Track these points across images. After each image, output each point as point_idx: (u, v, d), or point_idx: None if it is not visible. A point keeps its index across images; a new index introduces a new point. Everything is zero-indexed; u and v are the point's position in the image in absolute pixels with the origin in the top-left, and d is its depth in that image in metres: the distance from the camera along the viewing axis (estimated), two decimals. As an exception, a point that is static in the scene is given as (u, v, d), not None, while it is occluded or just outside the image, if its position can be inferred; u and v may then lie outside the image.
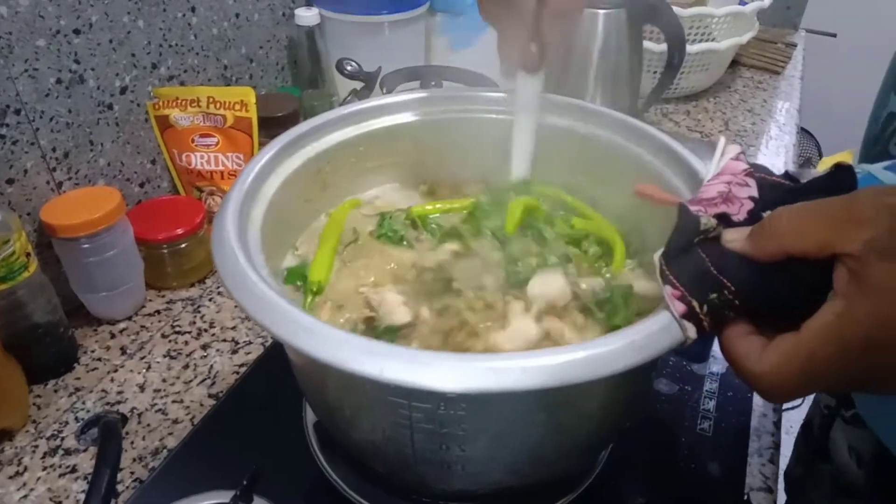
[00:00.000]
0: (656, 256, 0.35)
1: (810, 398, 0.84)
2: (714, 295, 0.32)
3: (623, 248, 0.50)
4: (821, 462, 0.71)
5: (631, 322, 0.41)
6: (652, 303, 0.44)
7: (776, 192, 0.36)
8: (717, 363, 0.61)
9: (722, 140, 0.40)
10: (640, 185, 0.43)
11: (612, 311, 0.43)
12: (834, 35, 1.60)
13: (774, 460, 0.55)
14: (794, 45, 1.41)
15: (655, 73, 1.08)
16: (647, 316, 0.33)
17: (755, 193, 0.36)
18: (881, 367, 0.29)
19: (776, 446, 0.56)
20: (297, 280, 0.48)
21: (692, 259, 0.34)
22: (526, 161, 0.54)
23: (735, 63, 1.30)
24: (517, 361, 0.29)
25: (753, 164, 0.37)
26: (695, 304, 0.32)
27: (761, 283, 0.32)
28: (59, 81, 0.63)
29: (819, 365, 0.29)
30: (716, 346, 0.61)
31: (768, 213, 0.33)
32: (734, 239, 0.33)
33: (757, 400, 0.59)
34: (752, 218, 0.34)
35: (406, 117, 0.54)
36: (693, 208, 0.35)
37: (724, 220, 0.34)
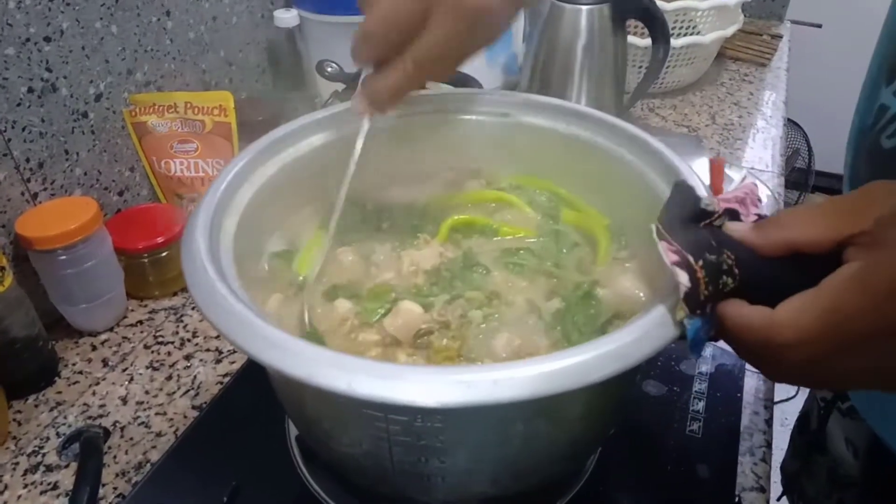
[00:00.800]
0: (653, 224, 0.34)
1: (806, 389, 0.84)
2: (713, 256, 0.31)
3: (608, 243, 0.49)
4: (817, 455, 0.71)
5: (598, 321, 0.41)
6: (633, 304, 0.44)
7: None
8: (705, 363, 0.61)
9: (744, 171, 0.41)
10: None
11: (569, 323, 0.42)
12: (819, 26, 1.60)
13: (767, 459, 0.55)
14: (780, 37, 1.40)
15: (641, 68, 1.08)
16: (626, 323, 0.32)
17: (765, 213, 0.35)
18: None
19: (768, 444, 0.56)
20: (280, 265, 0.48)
21: (692, 231, 0.33)
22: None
23: (721, 56, 1.29)
24: (489, 374, 0.28)
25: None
26: (689, 258, 0.31)
27: (762, 268, 0.31)
28: (30, 90, 0.62)
29: (841, 318, 0.28)
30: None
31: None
32: (738, 229, 0.32)
33: (747, 398, 0.58)
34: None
35: (383, 119, 0.53)
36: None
37: (733, 216, 0.34)
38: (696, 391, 0.57)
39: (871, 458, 0.61)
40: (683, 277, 0.31)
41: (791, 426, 0.84)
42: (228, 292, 0.34)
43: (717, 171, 0.87)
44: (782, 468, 0.82)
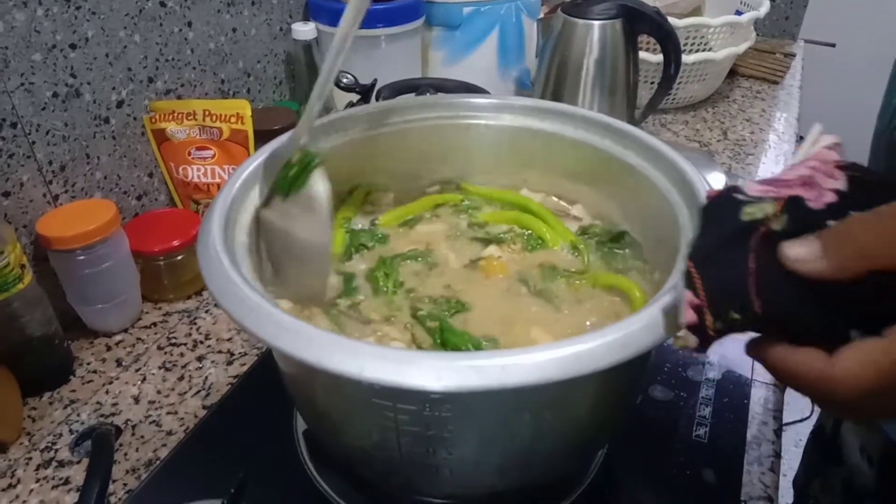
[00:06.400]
0: (681, 256, 0.32)
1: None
2: (737, 315, 0.28)
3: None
4: (833, 466, 0.70)
5: None
6: None
7: (870, 189, 0.29)
8: (712, 370, 0.61)
9: (817, 127, 0.34)
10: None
11: None
12: (833, 45, 1.60)
13: (775, 469, 0.54)
14: (793, 56, 1.41)
15: (652, 83, 1.08)
16: (632, 314, 0.32)
17: (843, 188, 0.29)
18: None
19: (777, 455, 0.55)
20: None
21: (734, 263, 0.29)
22: (310, 120, 0.45)
23: (733, 73, 1.30)
24: (498, 360, 0.28)
25: (849, 163, 0.31)
26: (708, 319, 0.29)
27: (804, 306, 0.28)
28: (55, 95, 0.64)
29: None
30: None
31: (856, 214, 0.27)
32: (802, 259, 0.27)
33: (755, 407, 0.58)
34: (833, 212, 0.29)
35: (395, 124, 0.55)
36: (759, 188, 0.30)
37: (797, 206, 0.29)
38: (702, 397, 0.57)
39: (887, 466, 0.60)
40: (692, 340, 0.29)
41: (802, 446, 0.83)
42: (242, 282, 0.35)
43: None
44: (795, 482, 0.81)
